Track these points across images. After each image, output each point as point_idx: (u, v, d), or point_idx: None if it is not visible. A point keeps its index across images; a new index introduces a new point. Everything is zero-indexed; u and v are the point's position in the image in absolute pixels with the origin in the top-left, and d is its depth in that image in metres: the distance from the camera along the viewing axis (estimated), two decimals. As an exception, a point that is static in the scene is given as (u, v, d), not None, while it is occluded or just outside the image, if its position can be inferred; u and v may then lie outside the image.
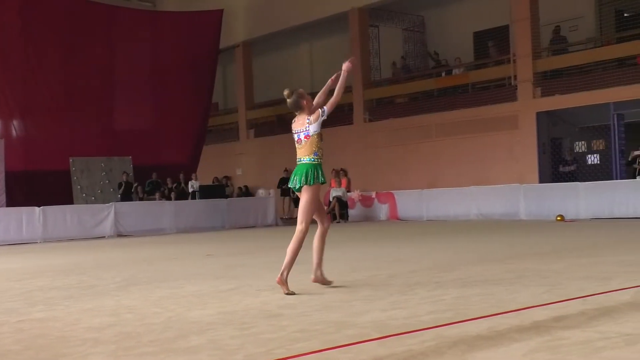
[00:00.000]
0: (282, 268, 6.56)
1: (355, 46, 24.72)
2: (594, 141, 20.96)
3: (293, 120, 6.79)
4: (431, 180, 22.26)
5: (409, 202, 21.52)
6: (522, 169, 20.20)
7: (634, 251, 9.04)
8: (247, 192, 27.21)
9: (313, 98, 6.98)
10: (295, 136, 6.72)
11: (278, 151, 27.19)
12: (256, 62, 29.58)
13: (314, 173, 6.56)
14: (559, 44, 20.66)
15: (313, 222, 6.86)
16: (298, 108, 6.69)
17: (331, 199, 22.30)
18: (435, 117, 22.31)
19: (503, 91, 20.94)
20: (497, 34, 22.18)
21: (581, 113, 19.62)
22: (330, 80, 7.04)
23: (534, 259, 8.61)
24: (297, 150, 6.70)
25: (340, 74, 6.93)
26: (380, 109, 24.44)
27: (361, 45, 24.61)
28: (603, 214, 17.19)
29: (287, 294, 6.41)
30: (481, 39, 23.06)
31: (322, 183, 6.62)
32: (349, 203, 22.71)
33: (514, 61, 20.52)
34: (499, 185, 19.72)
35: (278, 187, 25.70)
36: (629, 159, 18.60)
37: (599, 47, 19.89)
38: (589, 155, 21.12)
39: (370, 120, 24.34)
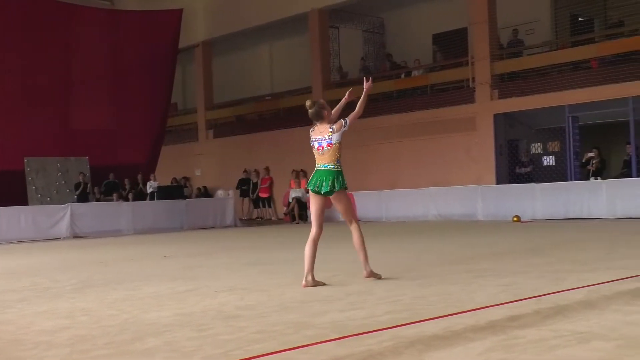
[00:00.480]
0: (363, 264, 7.16)
1: (315, 47, 24.75)
2: (550, 143, 21.28)
3: (311, 130, 7.21)
4: (391, 181, 22.38)
5: (368, 203, 21.60)
6: (479, 170, 20.43)
7: (587, 251, 9.21)
8: (206, 192, 27.05)
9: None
10: (316, 144, 7.15)
11: (237, 152, 27.11)
12: (216, 62, 29.42)
13: (340, 179, 7.08)
14: (516, 47, 20.94)
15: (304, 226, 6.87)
16: (319, 118, 7.15)
17: (290, 200, 22.29)
18: (395, 118, 22.44)
19: (461, 93, 21.16)
20: (455, 36, 22.39)
21: (537, 115, 19.92)
22: (344, 99, 7.56)
23: (491, 259, 8.71)
24: (317, 157, 7.14)
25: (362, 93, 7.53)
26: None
27: (321, 46, 24.65)
28: (558, 215, 17.47)
29: (379, 278, 7.07)
30: (440, 41, 23.28)
31: (346, 188, 7.13)
32: (308, 204, 22.66)
33: (472, 63, 20.74)
34: (457, 186, 19.93)
35: (237, 187, 25.60)
36: (583, 161, 18.95)
37: (554, 50, 20.22)
38: (545, 157, 21.45)
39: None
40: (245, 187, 25.57)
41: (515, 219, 17.48)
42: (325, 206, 7.14)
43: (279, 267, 8.97)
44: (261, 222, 24.42)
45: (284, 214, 23.14)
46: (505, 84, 20.32)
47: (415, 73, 22.99)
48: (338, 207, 7.21)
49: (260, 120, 27.63)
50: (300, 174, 24.23)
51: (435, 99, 21.69)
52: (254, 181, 25.60)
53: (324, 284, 6.95)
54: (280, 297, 6.20)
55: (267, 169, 25.32)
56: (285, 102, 26.60)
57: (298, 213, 22.04)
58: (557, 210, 17.58)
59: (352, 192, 22.02)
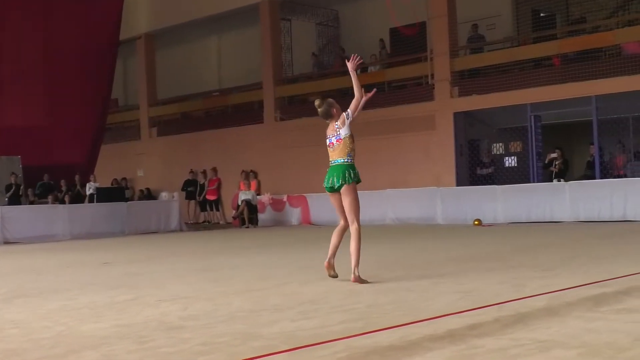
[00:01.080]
0: (353, 266, 7.41)
1: (266, 40, 24.71)
2: (512, 143, 21.58)
3: (328, 130, 7.70)
4: (345, 182, 22.42)
5: (322, 205, 21.58)
6: (439, 171, 20.62)
7: (549, 256, 9.36)
8: (149, 195, 26.79)
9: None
10: (327, 141, 7.67)
11: (183, 151, 26.90)
12: (160, 56, 29.16)
13: (351, 172, 7.50)
14: (477, 42, 21.21)
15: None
16: (329, 116, 7.66)
17: (239, 203, 22.21)
18: (350, 116, 22.47)
19: (420, 90, 21.32)
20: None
21: (499, 114, 20.19)
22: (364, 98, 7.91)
23: (450, 264, 8.80)
24: (330, 153, 7.66)
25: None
26: (292, 107, 24.49)
27: (272, 39, 24.61)
28: (520, 218, 17.73)
29: (364, 283, 7.29)
30: (398, 35, 23.42)
31: (358, 182, 7.52)
32: (258, 207, 22.65)
33: (431, 59, 20.93)
34: (415, 188, 20.08)
35: (183, 189, 25.41)
36: (546, 162, 19.25)
37: (516, 46, 20.51)
38: (507, 158, 21.75)
39: (281, 119, 24.37)
40: (191, 188, 25.37)
41: (476, 222, 17.68)
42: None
43: (226, 274, 8.92)
44: (208, 226, 24.26)
45: (233, 217, 23.05)
46: (466, 81, 20.55)
47: (371, 69, 23.10)
48: (343, 202, 7.53)
49: (207, 117, 27.48)
50: (250, 175, 24.16)
51: (393, 96, 21.82)
52: (201, 182, 25.43)
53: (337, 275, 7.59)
54: (227, 307, 6.16)
55: (214, 170, 25.18)
56: (234, 99, 26.48)
57: (248, 217, 21.96)
58: (519, 214, 17.83)
59: (305, 194, 22.09)
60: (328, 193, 7.69)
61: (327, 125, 7.69)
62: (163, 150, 27.94)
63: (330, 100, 7.70)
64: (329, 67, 24.89)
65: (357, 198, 7.58)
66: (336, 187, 7.51)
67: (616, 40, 18.21)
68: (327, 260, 7.71)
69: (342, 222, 7.68)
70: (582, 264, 8.23)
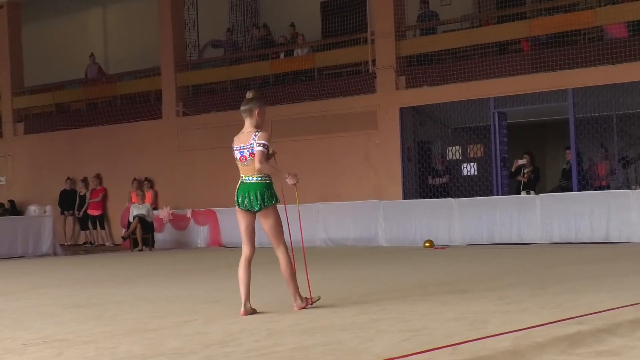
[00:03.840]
0: (293, 295, 8.01)
1: (165, 14, 24.50)
2: (471, 146, 21.88)
3: (234, 138, 8.24)
4: (265, 194, 22.39)
5: (235, 223, 21.41)
6: (381, 180, 20.76)
7: (516, 286, 9.51)
8: (13, 209, 26.26)
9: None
10: (237, 153, 8.14)
11: (58, 153, 26.46)
12: (27, 32, 28.61)
13: (269, 193, 8.04)
14: (428, 21, 21.44)
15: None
16: (249, 115, 8.17)
17: (131, 219, 21.94)
18: (271, 111, 22.12)
19: (358, 79, 21.44)
20: (350, 5, 22.66)
21: (455, 110, 20.44)
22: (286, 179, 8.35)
23: (394, 296, 8.86)
24: (241, 167, 8.14)
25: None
26: (198, 100, 24.35)
27: (173, 13, 24.41)
28: (481, 239, 17.97)
29: (316, 301, 8.10)
30: (331, 11, 23.53)
31: (277, 202, 8.10)
32: (155, 224, 22.42)
33: (372, 41, 21.08)
34: (352, 202, 20.16)
35: (59, 203, 24.99)
36: (512, 170, 19.59)
37: (476, 27, 20.81)
38: (465, 164, 22.05)
39: (184, 114, 24.20)
40: (69, 201, 24.96)
41: (426, 244, 17.85)
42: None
43: (112, 310, 8.80)
44: (90, 248, 23.91)
45: (122, 237, 22.77)
46: (415, 70, 20.76)
47: (298, 52, 23.14)
48: (264, 226, 8.14)
49: (89, 110, 27.08)
50: (145, 184, 23.91)
51: (324, 87, 21.88)
52: (81, 193, 25.04)
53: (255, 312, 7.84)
54: (112, 351, 6.08)
55: (98, 177, 24.83)
56: (124, 87, 26.19)
57: (141, 237, 21.71)
58: (479, 234, 18.08)
59: (214, 209, 21.96)
60: (237, 209, 8.18)
61: (238, 134, 8.19)
62: (32, 152, 27.42)
63: (261, 100, 8.27)
64: (244, 49, 24.82)
65: (279, 218, 8.14)
66: (253, 210, 8.09)
67: (597, 21, 18.65)
68: (242, 307, 7.83)
69: (246, 251, 8.15)
70: (555, 296, 8.38)
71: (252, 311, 7.84)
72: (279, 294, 9.86)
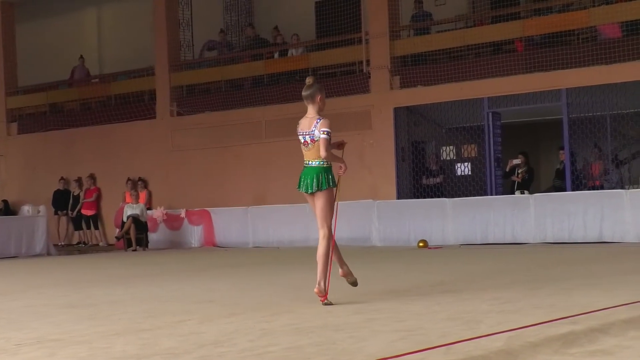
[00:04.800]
0: (318, 278, 8.21)
1: (159, 14, 24.50)
2: (465, 146, 21.91)
3: (298, 123, 8.47)
4: (259, 194, 22.41)
5: (230, 223, 21.52)
6: (375, 180, 20.77)
7: (510, 286, 9.52)
8: (6, 209, 26.23)
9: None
10: (301, 138, 8.39)
11: (52, 153, 26.42)
12: (21, 31, 28.57)
13: (326, 176, 8.35)
14: (423, 21, 21.46)
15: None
16: (311, 101, 8.38)
17: (125, 219, 21.92)
18: (265, 111, 22.50)
19: (352, 79, 21.46)
20: (345, 5, 22.68)
21: (449, 110, 20.47)
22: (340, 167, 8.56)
23: (388, 296, 8.87)
24: (304, 152, 8.43)
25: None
26: (192, 100, 24.34)
27: (167, 13, 24.41)
28: (475, 239, 18.01)
29: (325, 304, 8.09)
30: (325, 11, 23.54)
31: (334, 186, 8.48)
32: (149, 224, 22.40)
33: (367, 41, 21.10)
34: (346, 202, 20.10)
35: (53, 203, 24.96)
36: (507, 170, 19.62)
37: (470, 27, 20.84)
38: (459, 164, 22.06)
39: (178, 114, 24.19)
40: (62, 201, 24.93)
41: (421, 244, 17.87)
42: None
43: (106, 310, 8.79)
44: (84, 248, 23.90)
45: (116, 237, 22.74)
46: (409, 70, 20.77)
47: (292, 52, 23.15)
48: (316, 205, 8.49)
49: (83, 110, 27.06)
50: (139, 184, 23.89)
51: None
52: (75, 193, 25.03)
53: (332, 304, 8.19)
54: (106, 351, 6.08)
55: (92, 177, 24.81)
56: (119, 87, 26.17)
57: (135, 237, 21.69)
58: (473, 233, 18.11)
59: (209, 209, 21.96)
60: (304, 194, 8.56)
61: (302, 119, 8.43)
62: (25, 152, 27.39)
63: (321, 86, 8.50)
64: (238, 49, 24.82)
65: (332, 203, 8.56)
66: (310, 191, 8.42)
67: (591, 21, 18.70)
68: (341, 270, 8.77)
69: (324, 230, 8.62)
70: (548, 296, 8.40)
71: (351, 274, 8.83)
72: (272, 293, 9.88)
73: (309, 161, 8.42)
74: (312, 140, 8.28)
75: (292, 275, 12.55)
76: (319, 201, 8.45)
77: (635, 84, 18.02)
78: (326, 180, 8.36)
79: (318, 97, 8.39)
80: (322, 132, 8.21)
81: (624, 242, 16.45)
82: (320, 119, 8.27)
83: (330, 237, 8.51)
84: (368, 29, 21.12)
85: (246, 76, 23.61)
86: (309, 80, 8.51)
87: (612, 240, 16.63)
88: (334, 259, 8.59)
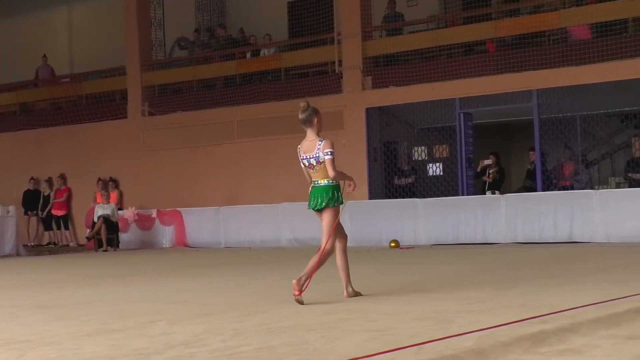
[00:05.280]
0: (304, 278, 8.46)
1: (131, 13, 24.41)
2: (437, 146, 22.00)
3: (299, 146, 8.70)
4: (231, 194, 22.37)
5: (201, 223, 21.48)
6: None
7: (481, 286, 9.56)
8: (-24, 209, 26.01)
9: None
10: (305, 162, 8.66)
11: (22, 153, 26.26)
12: (-9, 30, 28.43)
13: (334, 195, 8.66)
14: (395, 22, 21.51)
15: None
16: (309, 124, 8.65)
17: (96, 219, 21.82)
18: (237, 111, 22.47)
19: (324, 80, 21.48)
20: (317, 5, 22.69)
21: (421, 110, 20.54)
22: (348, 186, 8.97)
23: (359, 297, 8.87)
24: (311, 173, 8.69)
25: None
26: (164, 99, 24.26)
27: (139, 12, 24.33)
28: (446, 239, 18.08)
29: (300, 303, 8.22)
30: (297, 11, 23.54)
31: (342, 204, 8.80)
32: (120, 225, 22.32)
33: (339, 42, 21.11)
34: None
35: (23, 203, 24.79)
36: (478, 170, 19.72)
37: (442, 28, 20.93)
38: (430, 164, 22.15)
39: (150, 114, 24.10)
40: (33, 201, 24.77)
41: (392, 244, 17.92)
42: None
43: (75, 310, 8.74)
44: (54, 249, 23.78)
45: (87, 238, 22.65)
46: (381, 70, 20.82)
47: (264, 52, 23.14)
48: (323, 221, 8.77)
49: (54, 110, 26.90)
50: (110, 185, 23.79)
51: (291, 87, 21.89)
52: (45, 193, 24.88)
53: (360, 294, 8.73)
54: (75, 352, 6.04)
55: (63, 177, 24.68)
56: (90, 87, 26.06)
57: (106, 237, 21.59)
58: (445, 233, 18.18)
59: (180, 209, 21.90)
60: (314, 212, 8.83)
61: (302, 142, 8.67)
62: (-5, 152, 27.21)
63: (316, 108, 8.73)
64: (211, 49, 24.77)
65: (335, 219, 8.75)
66: (318, 208, 8.70)
67: (561, 22, 18.83)
68: (345, 291, 8.83)
69: (338, 243, 8.92)
70: (519, 295, 8.44)
71: (354, 294, 8.74)
72: (244, 294, 9.86)
73: (317, 181, 8.66)
74: (318, 162, 8.53)
75: (263, 276, 12.54)
76: (326, 217, 8.71)
77: (605, 85, 18.15)
78: (333, 198, 8.64)
79: (315, 120, 8.63)
80: (326, 154, 8.48)
81: (594, 242, 16.58)
82: (321, 141, 8.53)
83: (331, 254, 8.79)
84: (340, 30, 21.15)
85: (218, 76, 23.57)
86: (303, 104, 8.70)
87: (582, 240, 16.75)
88: (315, 265, 8.61)
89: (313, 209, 8.78)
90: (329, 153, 8.49)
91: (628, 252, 14.28)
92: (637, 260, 12.85)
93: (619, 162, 20.74)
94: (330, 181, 8.62)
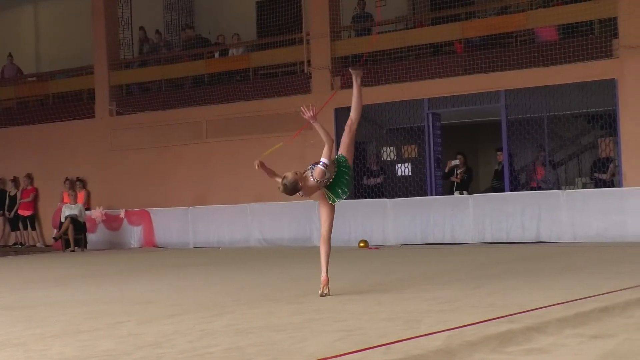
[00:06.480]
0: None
1: (98, 12, 24.27)
2: (405, 147, 22.05)
3: (299, 194, 9.16)
4: (199, 194, 22.32)
5: (170, 223, 21.41)
6: (316, 181, 20.77)
7: (449, 286, 9.61)
8: (-59, 209, 25.79)
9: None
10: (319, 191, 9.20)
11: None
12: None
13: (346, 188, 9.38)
14: (364, 22, 21.56)
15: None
16: (295, 192, 9.09)
17: (63, 219, 21.69)
18: (205, 110, 22.41)
19: (293, 80, 21.48)
20: (286, 5, 22.69)
21: (389, 111, 20.59)
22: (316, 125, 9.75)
23: (328, 297, 8.89)
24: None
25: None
26: (131, 99, 24.16)
27: (107, 11, 24.20)
28: (415, 239, 18.15)
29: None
30: (266, 11, 23.53)
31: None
32: (87, 225, 22.20)
33: (308, 42, 21.13)
34: (287, 202, 20.16)
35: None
36: (446, 170, 19.82)
37: (411, 28, 21.00)
38: (399, 165, 22.20)
39: (118, 113, 23.99)
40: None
41: (361, 244, 17.96)
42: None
43: (42, 312, 8.69)
44: (21, 249, 23.62)
45: (54, 238, 22.50)
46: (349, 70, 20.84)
47: (233, 52, 23.11)
48: (327, 213, 9.40)
49: (20, 109, 26.70)
50: (77, 184, 23.66)
51: (260, 86, 21.88)
52: (11, 194, 24.69)
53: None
54: (42, 354, 6.02)
55: (29, 177, 24.50)
56: (56, 86, 25.88)
57: (73, 237, 21.47)
58: (413, 233, 18.25)
59: (148, 209, 21.82)
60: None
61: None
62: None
63: (290, 178, 9.02)
64: (178, 48, 24.70)
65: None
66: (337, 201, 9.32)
67: (529, 24, 18.95)
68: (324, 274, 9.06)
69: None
70: (487, 295, 8.50)
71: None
72: (212, 294, 9.85)
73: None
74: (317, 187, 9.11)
75: (232, 276, 12.54)
76: (333, 210, 9.43)
77: (572, 86, 18.29)
78: (344, 192, 9.43)
79: (299, 185, 9.04)
80: (323, 165, 9.11)
81: (561, 242, 16.71)
82: (315, 177, 9.09)
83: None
84: (309, 30, 21.16)
85: (186, 75, 23.51)
86: (280, 188, 9.15)
87: (549, 240, 16.87)
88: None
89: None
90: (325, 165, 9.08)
91: (594, 252, 14.43)
92: (604, 260, 12.97)
93: (586, 162, 20.92)
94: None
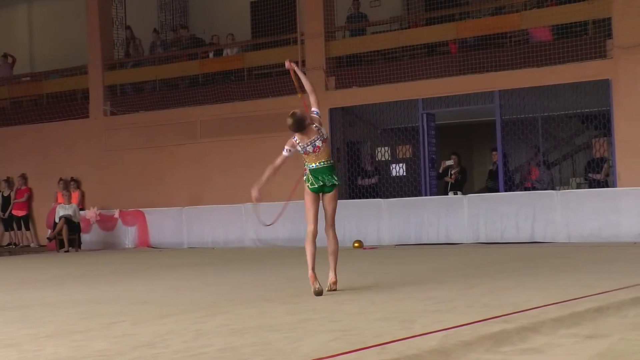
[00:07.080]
0: (333, 269, 9.34)
1: (92, 12, 24.22)
2: (400, 147, 22.06)
3: (295, 138, 9.10)
4: (194, 194, 22.30)
5: (164, 223, 21.38)
6: (311, 181, 20.77)
7: (444, 286, 9.62)
8: None
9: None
10: (309, 147, 9.01)
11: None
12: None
13: (337, 173, 9.18)
14: (358, 22, 21.56)
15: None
16: (303, 128, 8.98)
17: (57, 220, 21.67)
18: (200, 111, 22.39)
19: (288, 80, 21.17)
20: (280, 5, 22.69)
21: (384, 111, 20.60)
22: (298, 73, 9.69)
23: (323, 297, 8.90)
24: (313, 157, 9.03)
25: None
26: (125, 99, 24.13)
27: (101, 11, 24.17)
28: (409, 239, 18.15)
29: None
30: (260, 11, 23.52)
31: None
32: (82, 225, 22.17)
33: (302, 42, 21.12)
34: (280, 202, 20.12)
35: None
36: (440, 171, 19.82)
37: (405, 28, 21.00)
38: (394, 165, 22.21)
39: (112, 114, 23.96)
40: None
41: (355, 244, 17.95)
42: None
43: (37, 312, 8.68)
44: (15, 249, 23.57)
45: (48, 238, 22.47)
46: (344, 70, 20.85)
47: (227, 52, 23.09)
48: (330, 205, 9.13)
49: (14, 109, 26.65)
50: (71, 185, 23.62)
51: (254, 87, 21.87)
52: (5, 194, 24.63)
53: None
54: (36, 354, 6.02)
55: (23, 177, 24.46)
56: (51, 86, 25.83)
57: (68, 238, 21.44)
58: (408, 234, 18.25)
59: (143, 209, 21.81)
60: (311, 193, 9.07)
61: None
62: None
63: (298, 112, 8.99)
64: (173, 48, 24.69)
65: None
66: (328, 185, 9.03)
67: (523, 24, 18.96)
68: (311, 270, 8.97)
69: (313, 227, 9.07)
70: (482, 295, 8.51)
71: (318, 281, 8.94)
72: (207, 294, 9.84)
73: (320, 162, 9.02)
74: (324, 141, 9.00)
75: (227, 276, 12.54)
76: (334, 201, 9.15)
77: (566, 87, 18.32)
78: (338, 177, 9.16)
79: (306, 122, 8.99)
80: (317, 114, 9.18)
81: (555, 242, 16.72)
82: (316, 125, 9.02)
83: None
84: (303, 30, 21.15)
85: (181, 76, 23.48)
86: (289, 120, 9.01)
87: (544, 241, 16.88)
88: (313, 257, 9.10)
89: (317, 190, 9.05)
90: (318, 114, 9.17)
91: (589, 252, 14.45)
92: (598, 260, 12.98)
93: (580, 162, 20.92)
94: (331, 160, 9.11)
